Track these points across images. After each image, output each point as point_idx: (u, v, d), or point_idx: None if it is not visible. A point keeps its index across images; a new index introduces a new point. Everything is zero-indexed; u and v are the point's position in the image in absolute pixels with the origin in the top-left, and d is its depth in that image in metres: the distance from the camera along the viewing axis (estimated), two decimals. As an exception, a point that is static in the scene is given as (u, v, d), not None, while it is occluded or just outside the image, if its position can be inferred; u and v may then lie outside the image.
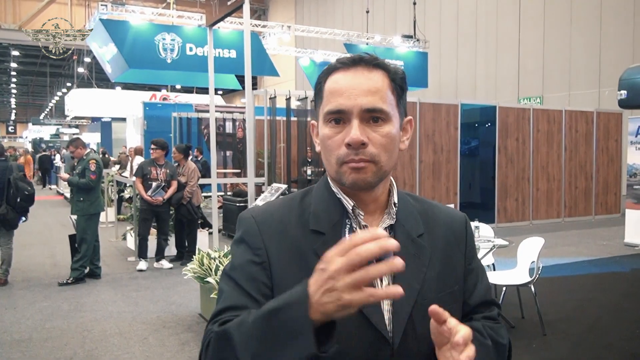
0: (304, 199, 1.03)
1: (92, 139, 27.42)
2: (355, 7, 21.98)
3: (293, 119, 9.43)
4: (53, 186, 20.56)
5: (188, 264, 4.82)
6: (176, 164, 7.21)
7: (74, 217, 6.25)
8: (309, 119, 9.01)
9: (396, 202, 1.01)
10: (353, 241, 0.73)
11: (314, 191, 1.03)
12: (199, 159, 11.09)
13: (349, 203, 0.98)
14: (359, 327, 0.90)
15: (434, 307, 0.86)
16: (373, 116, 0.94)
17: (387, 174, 0.98)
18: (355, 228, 0.97)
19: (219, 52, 11.88)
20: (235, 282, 0.95)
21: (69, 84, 30.86)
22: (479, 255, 4.61)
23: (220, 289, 0.98)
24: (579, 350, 4.06)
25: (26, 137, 41.37)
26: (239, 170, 12.15)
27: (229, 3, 5.71)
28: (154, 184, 6.63)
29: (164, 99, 19.57)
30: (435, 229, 1.04)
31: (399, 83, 0.98)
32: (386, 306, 0.94)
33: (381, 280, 0.94)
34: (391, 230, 0.99)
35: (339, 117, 0.94)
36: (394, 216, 1.00)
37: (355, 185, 0.95)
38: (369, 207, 1.00)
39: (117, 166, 11.99)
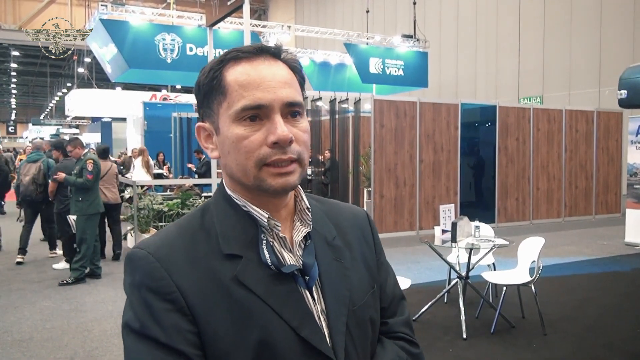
0: (203, 218, 0.88)
1: (92, 139, 27.40)
2: (355, 7, 22.00)
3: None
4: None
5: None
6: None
7: (73, 217, 6.26)
8: (309, 118, 9.00)
9: (309, 206, 0.91)
10: None
11: (213, 208, 0.89)
12: (201, 159, 11.12)
13: (262, 215, 0.85)
14: (302, 355, 0.81)
15: None
16: (292, 110, 0.85)
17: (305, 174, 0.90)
18: (272, 242, 0.86)
19: (219, 52, 11.76)
20: (154, 340, 0.77)
21: (69, 84, 30.88)
22: (480, 255, 4.61)
23: (132, 354, 0.78)
24: (580, 349, 4.06)
25: (26, 137, 41.42)
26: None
27: (229, 3, 5.73)
28: None
29: (164, 99, 19.55)
30: (344, 229, 0.97)
31: (301, 75, 0.91)
32: (323, 322, 0.85)
33: (312, 296, 0.86)
34: (308, 238, 0.90)
35: (256, 114, 0.83)
36: (309, 222, 0.90)
37: (282, 191, 0.84)
38: (281, 214, 0.89)
39: (121, 167, 11.99)
